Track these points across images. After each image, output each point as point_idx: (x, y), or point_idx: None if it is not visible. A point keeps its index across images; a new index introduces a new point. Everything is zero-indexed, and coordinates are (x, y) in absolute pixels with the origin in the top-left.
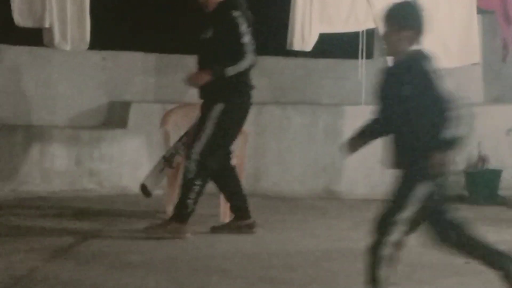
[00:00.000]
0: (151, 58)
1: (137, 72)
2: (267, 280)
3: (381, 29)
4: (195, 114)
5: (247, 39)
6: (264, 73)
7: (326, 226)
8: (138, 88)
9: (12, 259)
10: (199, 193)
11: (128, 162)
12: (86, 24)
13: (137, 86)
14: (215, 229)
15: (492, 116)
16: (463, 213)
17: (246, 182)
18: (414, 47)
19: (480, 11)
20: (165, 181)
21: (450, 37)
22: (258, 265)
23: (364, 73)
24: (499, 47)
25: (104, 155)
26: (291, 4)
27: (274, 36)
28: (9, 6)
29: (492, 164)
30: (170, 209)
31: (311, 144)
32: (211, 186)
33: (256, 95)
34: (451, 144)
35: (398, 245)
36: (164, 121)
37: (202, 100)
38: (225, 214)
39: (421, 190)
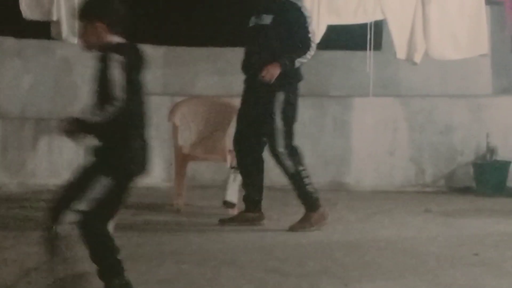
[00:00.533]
0: (159, 51)
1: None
2: (277, 272)
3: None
4: (203, 107)
5: (311, 30)
6: None
7: (335, 218)
8: (147, 81)
9: (21, 251)
10: (308, 176)
11: None
12: None
13: (146, 78)
14: (224, 221)
15: (501, 107)
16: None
17: None
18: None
19: (489, 2)
20: (173, 174)
21: (459, 28)
22: (267, 257)
23: (372, 65)
24: (508, 39)
25: None
26: None
27: None
28: None
29: (501, 156)
30: (178, 202)
31: (320, 136)
32: (218, 179)
33: None
34: None
35: None
36: (172, 113)
37: (252, 88)
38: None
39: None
